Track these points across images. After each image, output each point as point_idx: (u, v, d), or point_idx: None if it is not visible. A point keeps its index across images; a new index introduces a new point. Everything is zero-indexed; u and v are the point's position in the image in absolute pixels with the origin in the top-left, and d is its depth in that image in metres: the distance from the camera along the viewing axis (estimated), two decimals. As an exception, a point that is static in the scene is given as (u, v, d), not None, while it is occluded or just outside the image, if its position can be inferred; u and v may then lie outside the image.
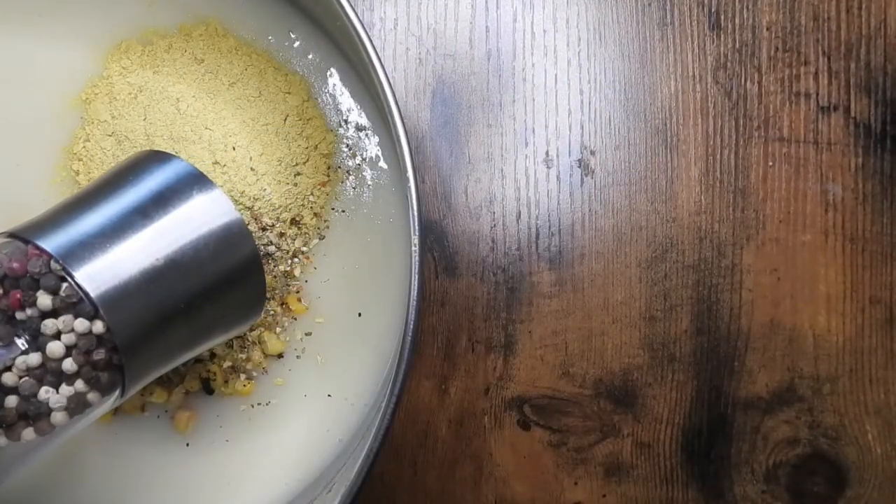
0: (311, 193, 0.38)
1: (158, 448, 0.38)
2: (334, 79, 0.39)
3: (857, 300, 0.41)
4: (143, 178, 0.31)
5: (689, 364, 0.42)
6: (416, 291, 0.30)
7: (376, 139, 0.39)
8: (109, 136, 0.37)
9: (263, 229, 0.37)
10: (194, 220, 0.31)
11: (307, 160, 0.38)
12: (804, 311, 0.42)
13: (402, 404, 0.42)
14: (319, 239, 0.38)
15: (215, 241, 0.31)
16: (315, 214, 0.38)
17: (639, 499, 0.42)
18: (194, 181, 0.32)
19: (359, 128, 0.39)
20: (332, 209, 0.38)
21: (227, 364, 0.38)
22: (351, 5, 0.31)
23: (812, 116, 0.42)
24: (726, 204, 0.42)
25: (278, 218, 0.37)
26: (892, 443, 0.41)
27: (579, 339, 0.42)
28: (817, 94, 0.42)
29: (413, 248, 0.30)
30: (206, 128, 0.37)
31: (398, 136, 0.30)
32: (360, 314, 0.38)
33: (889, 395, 0.41)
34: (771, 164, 0.42)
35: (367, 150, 0.39)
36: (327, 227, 0.38)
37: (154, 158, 0.32)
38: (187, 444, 0.38)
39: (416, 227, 0.30)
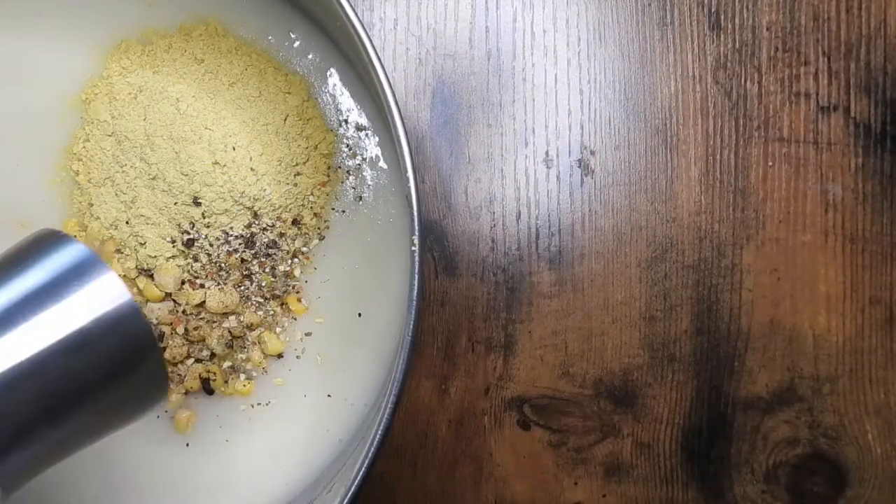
0: (311, 193, 0.38)
1: (158, 448, 0.38)
2: (334, 79, 0.39)
3: (857, 300, 0.41)
4: (32, 266, 0.29)
5: (689, 364, 0.42)
6: (416, 291, 0.30)
7: (376, 139, 0.39)
8: (109, 136, 0.37)
9: (264, 229, 0.37)
10: (83, 306, 0.28)
11: (307, 160, 0.38)
12: (804, 311, 0.42)
13: (402, 404, 0.42)
14: (319, 239, 0.38)
15: (105, 327, 0.29)
16: (315, 214, 0.38)
17: (639, 499, 0.42)
18: (86, 266, 0.29)
19: (359, 128, 0.39)
20: (332, 209, 0.38)
21: (226, 364, 0.38)
22: (351, 5, 0.31)
23: (812, 116, 0.42)
24: (726, 204, 0.42)
25: (278, 218, 0.37)
26: (892, 443, 0.41)
27: (579, 339, 0.42)
28: (817, 94, 0.42)
29: (413, 248, 0.30)
30: (206, 128, 0.37)
31: (398, 136, 0.30)
32: (360, 314, 0.38)
33: (889, 395, 0.41)
34: (771, 164, 0.42)
35: (367, 150, 0.39)
36: (327, 228, 0.38)
37: (47, 242, 0.30)
38: (187, 444, 0.38)
39: (416, 227, 0.30)
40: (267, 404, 0.38)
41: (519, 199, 0.42)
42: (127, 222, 0.37)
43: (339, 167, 0.39)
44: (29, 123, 0.38)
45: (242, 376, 0.38)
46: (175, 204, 0.37)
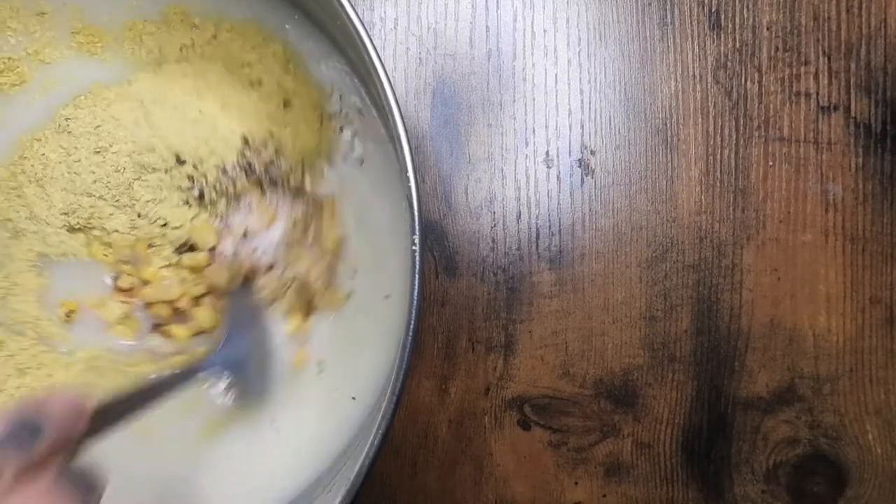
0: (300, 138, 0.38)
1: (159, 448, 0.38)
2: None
3: (857, 300, 0.41)
4: None
5: (689, 364, 0.42)
6: (416, 291, 0.30)
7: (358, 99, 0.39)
8: (96, 153, 0.38)
9: (258, 152, 0.38)
10: None
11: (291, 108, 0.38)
12: (804, 311, 0.42)
13: (402, 404, 0.42)
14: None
15: None
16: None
17: (639, 499, 0.42)
18: None
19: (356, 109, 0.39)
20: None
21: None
22: (351, 5, 0.31)
23: (812, 116, 0.42)
24: (726, 204, 0.42)
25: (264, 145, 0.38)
26: (892, 443, 0.41)
27: (579, 339, 0.42)
28: (817, 94, 0.42)
29: (413, 248, 0.30)
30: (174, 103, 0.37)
31: (398, 136, 0.30)
32: (360, 314, 0.38)
33: (889, 395, 0.41)
34: (771, 163, 0.42)
35: (356, 101, 0.39)
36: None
37: None
38: (187, 444, 0.38)
39: (417, 227, 0.30)
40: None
41: (519, 198, 0.42)
42: (139, 216, 0.38)
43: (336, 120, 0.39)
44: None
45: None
46: (166, 172, 0.37)
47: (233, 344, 0.37)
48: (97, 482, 0.26)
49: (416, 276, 0.30)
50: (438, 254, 0.42)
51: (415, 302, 0.30)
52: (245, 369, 0.37)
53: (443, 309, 0.42)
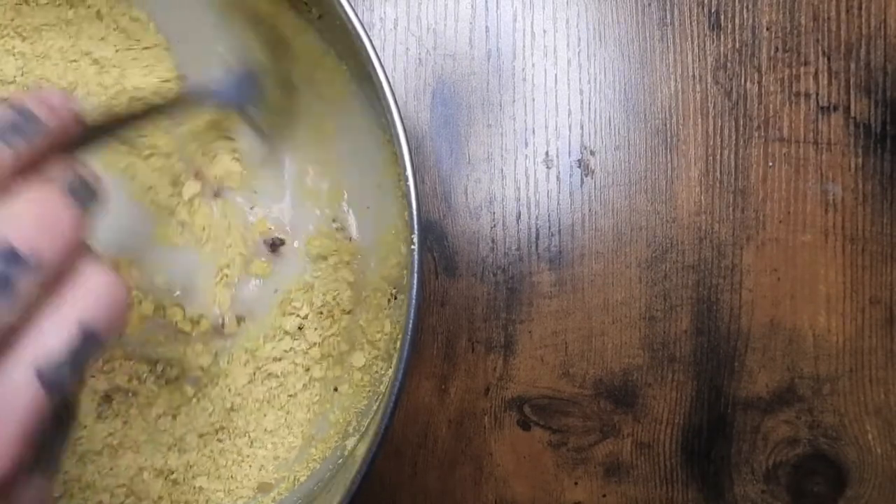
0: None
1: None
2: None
3: (857, 300, 0.41)
4: None
5: (689, 364, 0.42)
6: (415, 291, 0.30)
7: None
8: None
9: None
10: None
11: None
12: (804, 311, 0.42)
13: (402, 404, 0.42)
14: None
15: None
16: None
17: (639, 499, 0.42)
18: None
19: None
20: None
21: None
22: (351, 5, 0.31)
23: (812, 116, 0.42)
24: (726, 204, 0.42)
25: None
26: (892, 443, 0.41)
27: (579, 340, 0.42)
28: (817, 94, 0.42)
29: (413, 248, 0.30)
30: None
31: (398, 136, 0.30)
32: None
33: (889, 395, 0.41)
34: (771, 164, 0.42)
35: None
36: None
37: None
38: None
39: (416, 227, 0.30)
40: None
41: (519, 199, 0.42)
42: None
43: None
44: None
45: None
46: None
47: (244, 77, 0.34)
48: (97, 194, 0.23)
49: (416, 276, 0.30)
50: (438, 254, 0.42)
51: (414, 302, 0.30)
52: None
53: (442, 309, 0.42)
